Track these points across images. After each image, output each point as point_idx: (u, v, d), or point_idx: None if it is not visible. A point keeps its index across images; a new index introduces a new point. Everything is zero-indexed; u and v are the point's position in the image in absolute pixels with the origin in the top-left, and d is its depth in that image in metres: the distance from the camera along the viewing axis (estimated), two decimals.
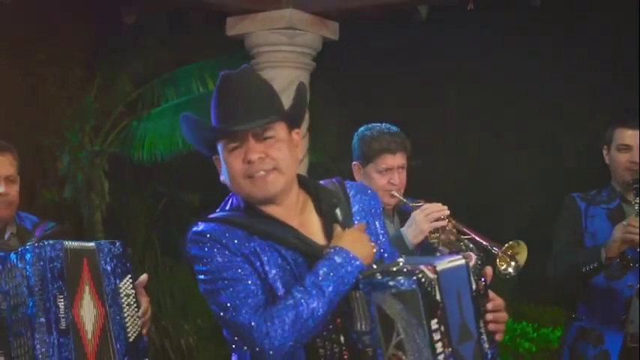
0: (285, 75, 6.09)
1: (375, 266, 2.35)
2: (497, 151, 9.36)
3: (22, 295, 2.94)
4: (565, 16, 7.46)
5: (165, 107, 9.32)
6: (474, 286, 2.36)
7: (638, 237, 4.11)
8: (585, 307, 4.45)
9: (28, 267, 2.94)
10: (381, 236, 2.64)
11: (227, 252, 2.40)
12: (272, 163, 2.43)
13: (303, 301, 2.30)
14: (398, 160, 3.82)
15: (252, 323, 2.32)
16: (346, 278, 2.33)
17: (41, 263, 2.94)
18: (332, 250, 2.38)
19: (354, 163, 3.93)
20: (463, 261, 2.37)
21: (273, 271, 2.41)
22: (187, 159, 9.10)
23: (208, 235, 2.42)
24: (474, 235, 3.87)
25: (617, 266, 4.29)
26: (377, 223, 2.63)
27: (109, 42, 8.89)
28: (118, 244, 3.22)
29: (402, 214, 3.89)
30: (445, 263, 2.32)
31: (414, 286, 2.19)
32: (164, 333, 8.29)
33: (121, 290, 3.18)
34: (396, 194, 3.82)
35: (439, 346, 2.20)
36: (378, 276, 2.25)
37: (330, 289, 2.30)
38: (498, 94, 9.26)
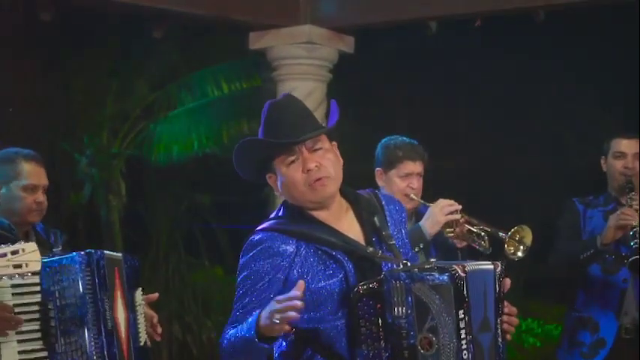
0: (305, 86, 6.37)
1: (409, 264, 2.70)
2: (506, 154, 9.51)
3: (71, 297, 3.13)
4: (569, 25, 7.62)
5: (181, 111, 9.33)
6: (497, 289, 2.75)
7: (631, 222, 4.47)
8: (583, 298, 4.80)
9: (77, 272, 3.14)
10: (406, 242, 2.98)
11: (269, 263, 2.73)
12: (325, 170, 2.76)
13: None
14: (417, 167, 4.24)
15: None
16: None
17: (90, 269, 3.16)
18: None
19: (377, 169, 4.30)
20: (491, 266, 2.76)
21: (311, 272, 2.73)
22: (201, 161, 9.32)
23: (259, 247, 2.77)
24: (483, 226, 4.25)
25: (613, 262, 4.67)
26: (402, 230, 2.97)
27: (130, 47, 9.07)
28: (135, 259, 3.47)
29: (419, 216, 4.28)
30: (474, 266, 2.70)
31: (448, 280, 2.60)
32: (187, 329, 8.52)
33: (135, 300, 3.42)
34: (414, 197, 4.21)
35: (463, 333, 2.61)
36: (416, 271, 2.63)
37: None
38: (507, 99, 9.41)
